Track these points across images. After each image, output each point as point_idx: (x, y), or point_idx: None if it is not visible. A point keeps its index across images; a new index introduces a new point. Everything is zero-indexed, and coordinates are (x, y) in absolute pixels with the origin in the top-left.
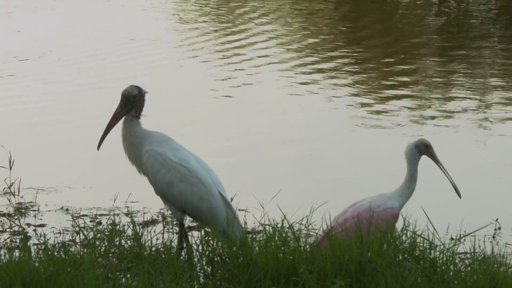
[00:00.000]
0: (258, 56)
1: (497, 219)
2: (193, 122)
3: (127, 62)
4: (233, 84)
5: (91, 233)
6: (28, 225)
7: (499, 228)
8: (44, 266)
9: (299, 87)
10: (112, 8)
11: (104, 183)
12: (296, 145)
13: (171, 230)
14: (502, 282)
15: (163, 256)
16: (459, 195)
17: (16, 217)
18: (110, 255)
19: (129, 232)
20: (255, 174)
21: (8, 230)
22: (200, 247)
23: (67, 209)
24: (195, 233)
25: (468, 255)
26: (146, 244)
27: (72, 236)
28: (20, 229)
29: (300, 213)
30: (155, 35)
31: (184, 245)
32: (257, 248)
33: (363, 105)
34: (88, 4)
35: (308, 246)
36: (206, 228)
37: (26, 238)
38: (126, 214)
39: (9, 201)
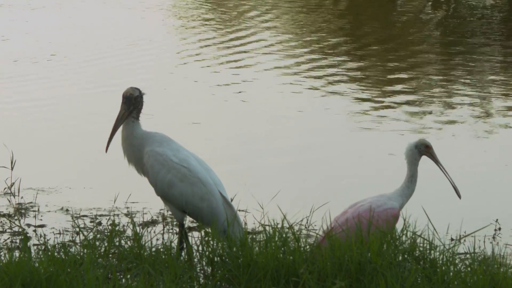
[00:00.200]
0: (258, 56)
1: (497, 220)
2: (193, 123)
3: (127, 63)
4: (233, 84)
5: (91, 233)
6: (28, 225)
7: (499, 229)
8: (44, 266)
9: (299, 87)
10: (114, 8)
11: (104, 183)
12: (296, 145)
13: (171, 231)
14: (502, 283)
15: (163, 256)
16: (459, 196)
17: (16, 217)
18: (110, 255)
19: (129, 232)
20: (255, 174)
21: (8, 230)
22: (200, 248)
23: (67, 210)
24: (195, 234)
25: (468, 256)
26: (146, 245)
27: (72, 237)
28: (20, 230)
29: (300, 213)
30: (156, 36)
31: (184, 245)
32: (257, 248)
33: (363, 105)
34: (91, 4)
35: (308, 247)
36: (206, 229)
37: (26, 238)
38: (126, 215)
39: (9, 201)
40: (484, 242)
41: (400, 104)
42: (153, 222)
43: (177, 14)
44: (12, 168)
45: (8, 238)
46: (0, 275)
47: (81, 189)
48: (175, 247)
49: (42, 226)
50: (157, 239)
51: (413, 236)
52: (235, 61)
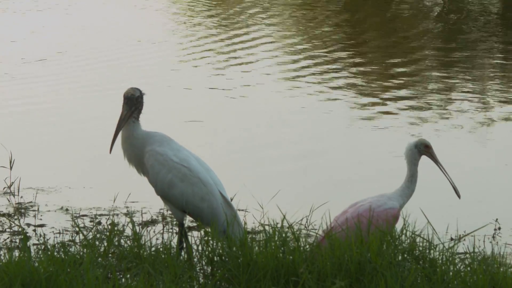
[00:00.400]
0: (258, 56)
1: (496, 219)
2: (193, 123)
3: (128, 64)
4: (233, 84)
5: (91, 233)
6: (28, 225)
7: (499, 228)
8: (44, 266)
9: (299, 87)
10: (119, 8)
11: (104, 183)
12: (296, 145)
13: (170, 230)
14: (501, 282)
15: (163, 256)
16: (459, 196)
17: (16, 217)
18: (110, 255)
19: (129, 232)
20: (255, 174)
21: (8, 230)
22: (200, 247)
23: (67, 209)
24: (195, 233)
25: (467, 255)
26: (146, 244)
27: (72, 236)
28: (20, 229)
29: (300, 213)
30: (157, 36)
31: (184, 245)
32: (257, 248)
33: (363, 105)
34: (95, 5)
35: (308, 246)
36: (206, 228)
37: (26, 238)
38: (126, 214)
39: (9, 201)
40: (483, 241)
41: (400, 104)
42: (153, 222)
43: (178, 15)
44: (11, 168)
45: (8, 238)
46: (0, 275)
47: (81, 189)
48: (174, 246)
49: (41, 225)
50: (157, 239)
51: (413, 236)
52: (236, 61)
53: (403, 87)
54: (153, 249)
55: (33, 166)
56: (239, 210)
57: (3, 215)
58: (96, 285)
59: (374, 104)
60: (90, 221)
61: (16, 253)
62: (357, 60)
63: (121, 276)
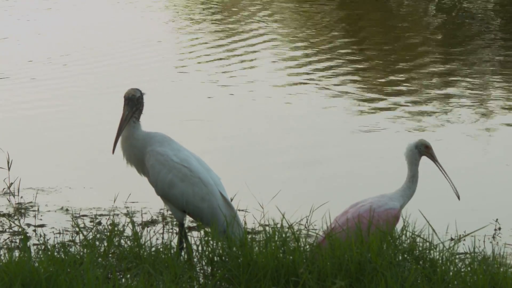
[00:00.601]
0: (259, 56)
1: (497, 219)
2: (193, 123)
3: (129, 64)
4: (234, 84)
5: (91, 233)
6: (28, 225)
7: (499, 228)
8: (44, 266)
9: (299, 87)
10: (123, 9)
11: (104, 183)
12: (296, 145)
13: (171, 230)
14: (502, 282)
15: (163, 256)
16: (458, 197)
17: (16, 217)
18: (110, 255)
19: (129, 232)
20: (255, 174)
21: (8, 230)
22: (200, 247)
23: (67, 209)
24: (195, 233)
25: (468, 255)
26: (146, 245)
27: (72, 237)
28: (20, 229)
29: (300, 213)
30: (157, 37)
31: (184, 245)
32: (257, 248)
33: (364, 105)
34: (99, 5)
35: (308, 246)
36: (206, 228)
37: (26, 238)
38: (126, 215)
39: (9, 201)
40: (484, 241)
41: (400, 104)
42: (153, 222)
43: (179, 15)
44: (9, 168)
45: (8, 238)
46: (0, 275)
47: (81, 189)
48: (175, 246)
49: (42, 225)
50: (157, 239)
51: (413, 236)
52: (236, 61)
53: (403, 86)
54: (153, 249)
55: (33, 166)
56: (239, 210)
57: (3, 215)
58: (96, 285)
59: (374, 103)
60: (90, 221)
61: (16, 253)
62: (358, 59)
63: (121, 276)
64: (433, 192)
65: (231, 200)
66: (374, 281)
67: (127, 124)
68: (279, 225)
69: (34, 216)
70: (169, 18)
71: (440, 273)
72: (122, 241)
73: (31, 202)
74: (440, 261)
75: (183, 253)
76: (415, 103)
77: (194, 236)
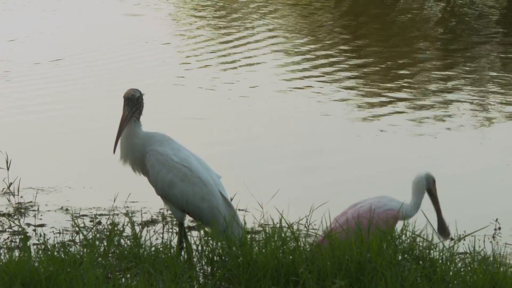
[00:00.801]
0: (259, 57)
1: (497, 219)
2: (193, 123)
3: (129, 65)
4: (234, 84)
5: (91, 233)
6: (28, 225)
7: (499, 228)
8: (44, 266)
9: (300, 87)
10: (117, 10)
11: (104, 183)
12: (296, 145)
13: (170, 230)
14: (502, 282)
15: (163, 256)
16: (444, 238)
17: (16, 217)
18: (110, 255)
19: (129, 232)
20: (254, 174)
21: (8, 230)
22: (199, 247)
23: (67, 209)
24: (195, 233)
25: (468, 255)
26: (146, 244)
27: (72, 236)
28: (20, 229)
29: (300, 213)
30: (158, 37)
31: (184, 245)
32: (256, 248)
33: (364, 105)
34: (97, 6)
35: (307, 246)
36: (206, 228)
37: (26, 238)
38: (126, 214)
39: (9, 201)
40: (484, 241)
41: (400, 104)
42: (153, 222)
43: (180, 15)
44: (8, 168)
45: (8, 238)
46: (0, 275)
47: (81, 189)
48: (174, 246)
49: (41, 225)
50: (157, 239)
51: (413, 236)
52: (237, 61)
53: (403, 87)
54: (153, 249)
55: (33, 166)
56: (239, 210)
57: (3, 215)
58: (96, 285)
59: (374, 104)
60: (90, 221)
61: (16, 253)
62: (358, 61)
63: (121, 276)
64: None
65: (231, 199)
66: (374, 280)
67: (128, 124)
68: (278, 225)
69: (34, 216)
70: (170, 18)
71: (440, 273)
72: (122, 240)
73: (31, 202)
74: (440, 261)
75: (183, 253)
76: (416, 104)
77: (194, 236)
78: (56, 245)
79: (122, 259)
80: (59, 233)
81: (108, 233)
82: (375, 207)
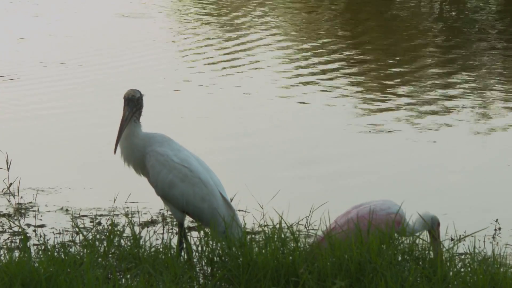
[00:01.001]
0: (259, 57)
1: (497, 220)
2: (192, 123)
3: (129, 66)
4: (233, 85)
5: (91, 233)
6: (28, 225)
7: (499, 229)
8: (44, 266)
9: (300, 87)
10: (118, 11)
11: (104, 183)
12: (296, 145)
13: (170, 231)
14: (502, 282)
15: (163, 256)
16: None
17: (16, 217)
18: (110, 255)
19: (129, 232)
20: (255, 174)
21: (8, 230)
22: (199, 248)
23: (67, 210)
24: (195, 234)
25: (468, 256)
26: (146, 245)
27: (72, 237)
28: (20, 230)
29: (299, 213)
30: (158, 37)
31: (184, 245)
32: (256, 248)
33: (364, 106)
34: (97, 7)
35: (307, 246)
36: (206, 229)
37: (26, 238)
38: (126, 215)
39: (9, 201)
40: (484, 242)
41: (401, 104)
42: (153, 222)
43: (180, 16)
44: (8, 169)
45: (8, 238)
46: (0, 275)
47: (81, 189)
48: (174, 247)
49: (42, 226)
50: (157, 239)
51: (413, 236)
52: (237, 62)
53: (403, 88)
54: (153, 249)
55: (33, 167)
56: (239, 210)
57: (3, 215)
58: (96, 286)
59: (375, 105)
60: (90, 222)
61: (16, 253)
62: (358, 61)
63: (121, 276)
64: (432, 192)
65: (231, 200)
66: (374, 281)
67: (128, 124)
68: (278, 226)
69: (34, 216)
70: (170, 19)
71: (440, 273)
72: (122, 241)
73: (31, 202)
74: (440, 261)
75: (183, 253)
76: (415, 103)
77: (194, 236)
78: (56, 245)
79: (122, 259)
80: (59, 233)
81: (108, 233)
82: (378, 209)
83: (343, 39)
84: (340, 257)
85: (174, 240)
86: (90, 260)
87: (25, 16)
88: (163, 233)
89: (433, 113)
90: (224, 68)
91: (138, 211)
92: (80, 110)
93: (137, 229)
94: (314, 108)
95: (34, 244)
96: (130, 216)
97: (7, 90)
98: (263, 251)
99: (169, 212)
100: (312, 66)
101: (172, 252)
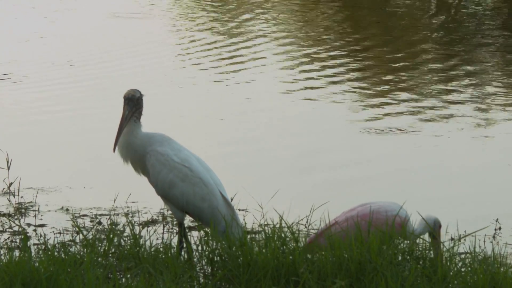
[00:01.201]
0: (259, 57)
1: (497, 219)
2: (192, 123)
3: (129, 66)
4: (233, 85)
5: (91, 233)
6: (28, 225)
7: (499, 228)
8: (44, 266)
9: (299, 87)
10: (119, 12)
11: (104, 183)
12: (296, 145)
13: (171, 230)
14: (502, 282)
15: (163, 256)
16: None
17: (16, 217)
18: (110, 255)
19: (129, 232)
20: (254, 174)
21: (8, 230)
22: (200, 247)
23: (67, 209)
24: (195, 233)
25: (468, 255)
26: (146, 244)
27: (72, 236)
28: (20, 229)
29: (300, 213)
30: (157, 37)
31: (184, 245)
32: (256, 248)
33: (364, 105)
34: (98, 7)
35: (306, 245)
36: (206, 229)
37: (26, 238)
38: (126, 214)
39: (9, 201)
40: (484, 241)
41: (400, 104)
42: (153, 222)
43: (181, 16)
44: (8, 168)
45: (8, 238)
46: (0, 275)
47: (81, 189)
48: (175, 246)
49: (42, 225)
50: (157, 239)
51: (413, 236)
52: (236, 62)
53: (403, 87)
54: (153, 249)
55: (33, 166)
56: (239, 210)
57: (4, 215)
58: (96, 285)
59: (375, 105)
60: (91, 221)
61: (17, 253)
62: (358, 61)
63: (121, 276)
64: (433, 191)
65: (231, 200)
66: (374, 281)
67: (128, 124)
68: (278, 225)
69: (34, 216)
70: (171, 19)
71: (440, 273)
72: (122, 241)
73: (31, 202)
74: (440, 261)
75: (183, 253)
76: (415, 105)
77: (194, 236)
78: (57, 245)
79: (122, 259)
80: (60, 233)
81: (108, 233)
82: (383, 210)
83: (343, 41)
84: (340, 256)
85: (174, 240)
86: (90, 259)
87: (26, 16)
88: (163, 233)
89: (434, 113)
90: (223, 68)
91: (138, 211)
92: (80, 110)
93: (137, 228)
94: (315, 108)
95: (34, 244)
96: (130, 215)
97: (7, 90)
98: (263, 250)
99: (169, 212)
100: (312, 65)
101: (172, 251)
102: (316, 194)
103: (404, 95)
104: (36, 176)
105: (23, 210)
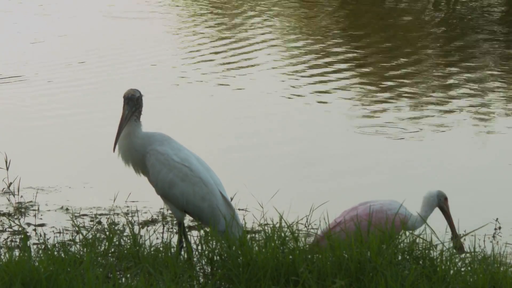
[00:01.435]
0: (259, 57)
1: (497, 219)
2: (193, 123)
3: (129, 66)
4: (233, 85)
5: (91, 232)
6: (28, 224)
7: (499, 228)
8: (44, 265)
9: (299, 88)
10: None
11: (104, 182)
12: (296, 145)
13: (171, 230)
14: (502, 282)
15: (163, 255)
16: (460, 251)
17: (16, 216)
18: (110, 254)
19: (129, 231)
20: (254, 174)
21: (8, 229)
22: (199, 247)
23: (67, 209)
24: (195, 233)
25: (468, 255)
26: (146, 244)
27: (72, 236)
28: (20, 229)
29: (299, 213)
30: (157, 38)
31: (184, 244)
32: (256, 247)
33: (364, 105)
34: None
35: (307, 246)
36: (206, 228)
37: (26, 237)
38: (126, 214)
39: (9, 200)
40: (484, 241)
41: (400, 104)
42: (153, 221)
43: (180, 17)
44: (7, 168)
45: (8, 237)
46: (0, 274)
47: (81, 188)
48: (174, 246)
49: (42, 225)
50: (157, 238)
51: (413, 235)
52: (236, 62)
53: (403, 87)
54: (153, 248)
55: (32, 166)
56: (239, 209)
57: (3, 214)
58: (96, 285)
59: (375, 105)
60: (90, 221)
61: (17, 252)
62: (358, 61)
63: (121, 275)
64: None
65: (231, 199)
66: (374, 280)
67: (127, 124)
68: (278, 225)
69: (34, 216)
70: (172, 19)
71: (440, 273)
72: (122, 240)
73: (31, 202)
74: (440, 261)
75: (183, 253)
76: (415, 105)
77: (194, 236)
78: (56, 244)
79: (122, 258)
80: (59, 232)
81: (108, 233)
82: (386, 208)
83: (344, 42)
84: (340, 256)
85: (174, 239)
86: (90, 259)
87: (28, 17)
88: (163, 232)
89: (434, 113)
90: (222, 68)
91: (138, 210)
92: (80, 110)
93: (137, 228)
94: (315, 108)
95: (34, 243)
96: (130, 215)
97: (7, 91)
98: (263, 250)
99: (169, 211)
100: (312, 66)
101: (172, 251)
102: (316, 194)
103: (404, 96)
104: (36, 176)
105: (23, 210)
